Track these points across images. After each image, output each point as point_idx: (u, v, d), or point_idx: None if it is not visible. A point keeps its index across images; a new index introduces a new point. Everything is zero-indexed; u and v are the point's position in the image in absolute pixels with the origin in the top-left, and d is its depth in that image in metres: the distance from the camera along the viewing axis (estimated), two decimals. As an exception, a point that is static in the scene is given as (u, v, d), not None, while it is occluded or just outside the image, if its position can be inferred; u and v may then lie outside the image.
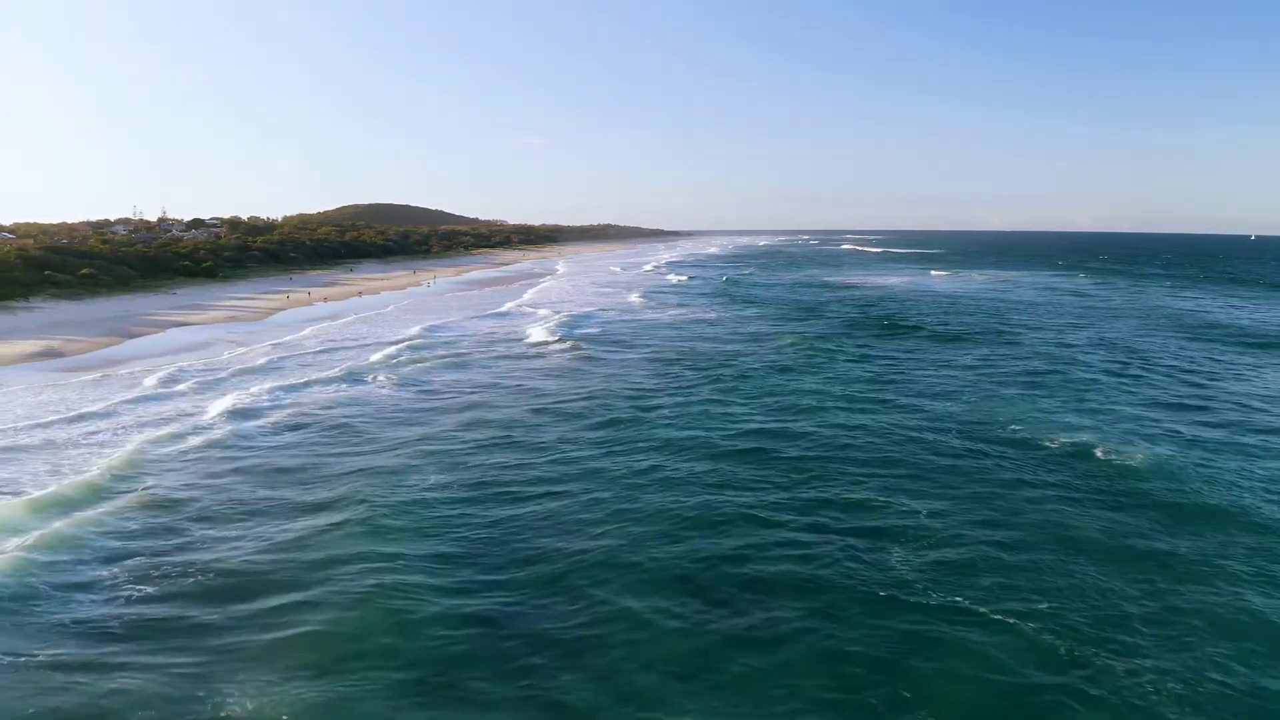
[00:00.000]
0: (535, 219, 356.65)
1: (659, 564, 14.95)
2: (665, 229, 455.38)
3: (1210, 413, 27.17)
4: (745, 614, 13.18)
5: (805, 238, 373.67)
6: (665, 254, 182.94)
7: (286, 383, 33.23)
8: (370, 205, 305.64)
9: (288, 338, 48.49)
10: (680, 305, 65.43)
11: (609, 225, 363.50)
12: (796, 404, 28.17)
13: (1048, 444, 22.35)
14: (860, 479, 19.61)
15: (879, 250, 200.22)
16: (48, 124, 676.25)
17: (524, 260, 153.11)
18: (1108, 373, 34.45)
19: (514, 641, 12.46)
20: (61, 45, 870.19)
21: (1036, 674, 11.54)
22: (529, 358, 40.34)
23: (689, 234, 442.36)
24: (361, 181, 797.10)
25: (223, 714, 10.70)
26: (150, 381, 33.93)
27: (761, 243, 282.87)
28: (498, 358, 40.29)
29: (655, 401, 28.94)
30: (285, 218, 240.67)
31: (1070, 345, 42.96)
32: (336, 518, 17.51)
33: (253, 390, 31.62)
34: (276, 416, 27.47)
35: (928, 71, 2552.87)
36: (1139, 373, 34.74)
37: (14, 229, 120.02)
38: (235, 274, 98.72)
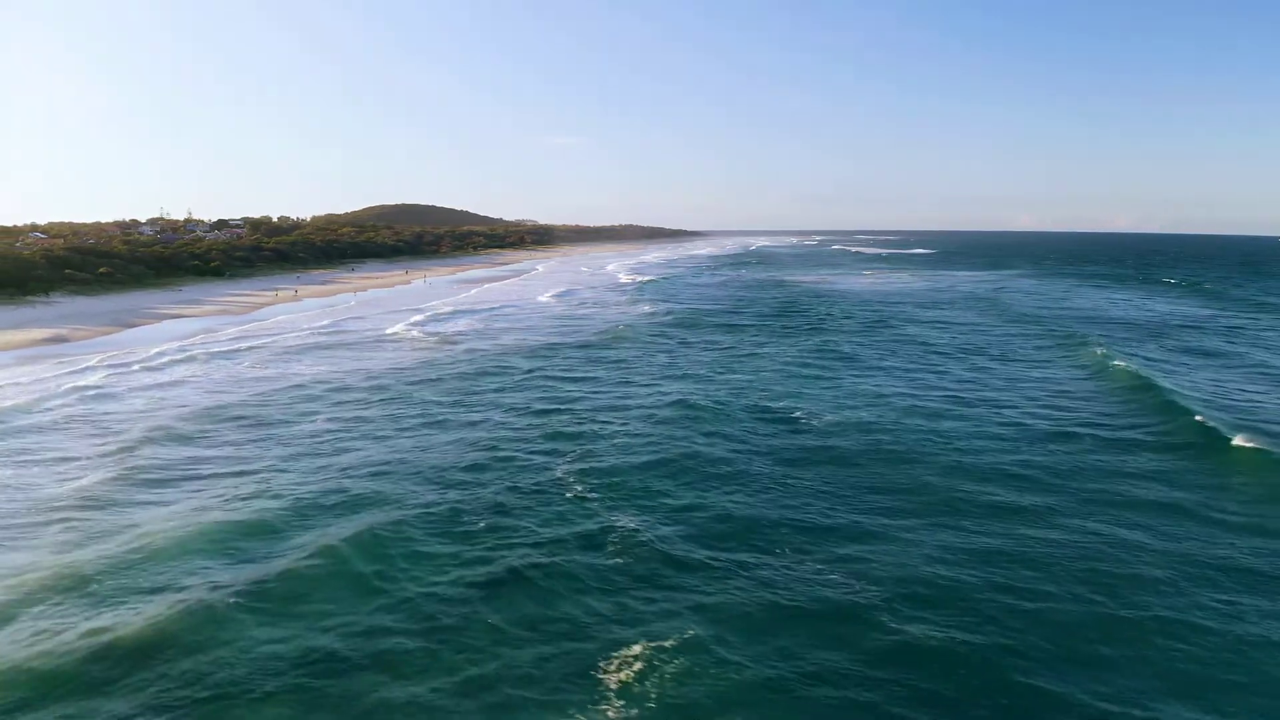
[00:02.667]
0: (565, 219, 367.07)
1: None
2: (688, 229, 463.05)
3: (948, 389, 31.85)
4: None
5: (818, 238, 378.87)
6: (656, 254, 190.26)
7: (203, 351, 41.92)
8: (397, 206, 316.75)
9: (248, 327, 57.46)
10: (594, 304, 70.68)
11: (630, 225, 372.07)
12: (564, 374, 35.67)
13: (775, 410, 28.09)
14: (598, 436, 25.97)
15: (872, 251, 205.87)
16: (88, 126, 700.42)
17: (524, 261, 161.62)
18: (894, 355, 40.47)
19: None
20: (102, 48, 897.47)
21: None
22: (379, 348, 45.82)
23: (706, 234, 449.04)
24: (395, 182, 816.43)
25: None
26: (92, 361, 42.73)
27: (767, 243, 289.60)
28: (350, 344, 46.90)
29: (429, 377, 35.36)
30: (314, 218, 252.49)
31: (902, 335, 49.25)
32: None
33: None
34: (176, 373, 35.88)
35: (963, 72, 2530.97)
36: (916, 358, 39.98)
37: (48, 229, 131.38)
38: (242, 272, 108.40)
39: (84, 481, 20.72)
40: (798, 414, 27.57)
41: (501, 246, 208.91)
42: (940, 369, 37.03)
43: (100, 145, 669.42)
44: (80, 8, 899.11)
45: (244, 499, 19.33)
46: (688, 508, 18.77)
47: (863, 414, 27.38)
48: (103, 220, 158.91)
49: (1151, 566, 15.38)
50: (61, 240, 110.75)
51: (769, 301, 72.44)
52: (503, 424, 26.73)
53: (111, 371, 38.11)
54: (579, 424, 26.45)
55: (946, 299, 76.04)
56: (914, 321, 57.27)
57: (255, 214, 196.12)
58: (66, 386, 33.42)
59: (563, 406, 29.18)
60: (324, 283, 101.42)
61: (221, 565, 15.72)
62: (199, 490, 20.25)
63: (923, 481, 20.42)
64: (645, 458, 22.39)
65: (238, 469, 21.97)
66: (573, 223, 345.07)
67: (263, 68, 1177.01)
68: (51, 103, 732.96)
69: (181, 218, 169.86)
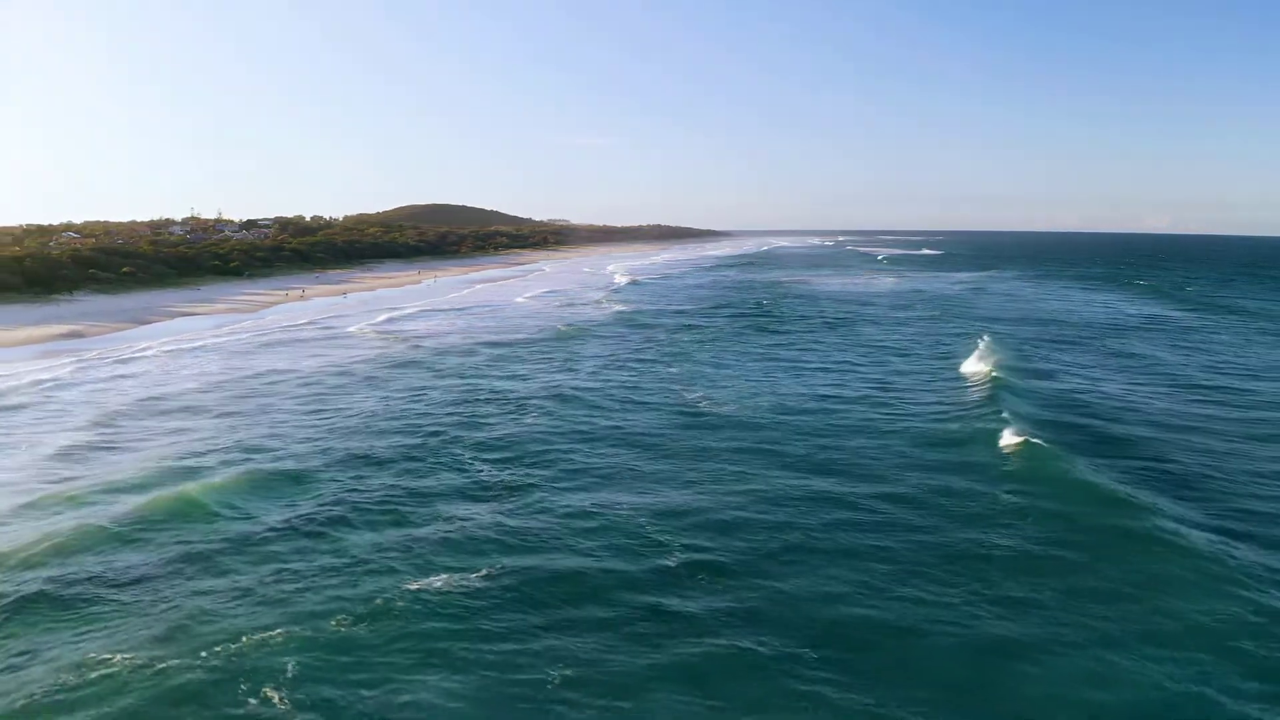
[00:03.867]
0: (596, 219, 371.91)
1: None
2: (716, 229, 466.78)
3: (838, 386, 34.85)
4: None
5: (842, 238, 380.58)
6: (668, 255, 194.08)
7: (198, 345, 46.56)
8: (428, 205, 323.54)
9: (245, 323, 62.38)
10: (567, 304, 74.28)
11: (657, 226, 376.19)
12: (474, 369, 39.56)
13: (651, 401, 31.79)
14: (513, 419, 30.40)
15: (886, 252, 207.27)
16: (130, 127, 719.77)
17: (539, 261, 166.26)
18: (823, 353, 43.23)
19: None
20: (145, 50, 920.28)
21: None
22: (331, 345, 49.87)
23: (731, 235, 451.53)
24: (431, 183, 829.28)
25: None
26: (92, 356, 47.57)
27: (787, 244, 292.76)
28: (307, 341, 51.53)
29: (351, 369, 39.56)
30: (346, 217, 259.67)
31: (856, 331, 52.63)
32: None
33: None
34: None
35: (1003, 74, 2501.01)
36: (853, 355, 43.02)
37: (83, 228, 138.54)
38: (262, 272, 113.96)
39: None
40: (672, 404, 31.43)
41: (524, 247, 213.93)
42: (851, 367, 40.37)
43: (142, 145, 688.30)
44: (124, 10, 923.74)
45: (127, 466, 23.73)
46: (507, 460, 23.06)
47: (740, 403, 31.25)
48: (139, 219, 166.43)
49: (879, 534, 18.75)
50: (92, 240, 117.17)
51: (748, 303, 75.67)
52: (386, 407, 31.12)
53: (79, 365, 42.42)
54: (456, 405, 30.97)
55: (920, 299, 79.34)
56: (872, 322, 60.70)
57: (292, 213, 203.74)
58: (28, 380, 37.87)
59: (456, 393, 33.66)
60: (337, 283, 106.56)
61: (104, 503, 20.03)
62: (89, 468, 24.55)
63: (740, 458, 24.14)
64: (493, 433, 26.70)
65: (134, 449, 26.29)
66: (601, 223, 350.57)
67: (305, 71, 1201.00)
68: (95, 104, 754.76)
69: (212, 217, 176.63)
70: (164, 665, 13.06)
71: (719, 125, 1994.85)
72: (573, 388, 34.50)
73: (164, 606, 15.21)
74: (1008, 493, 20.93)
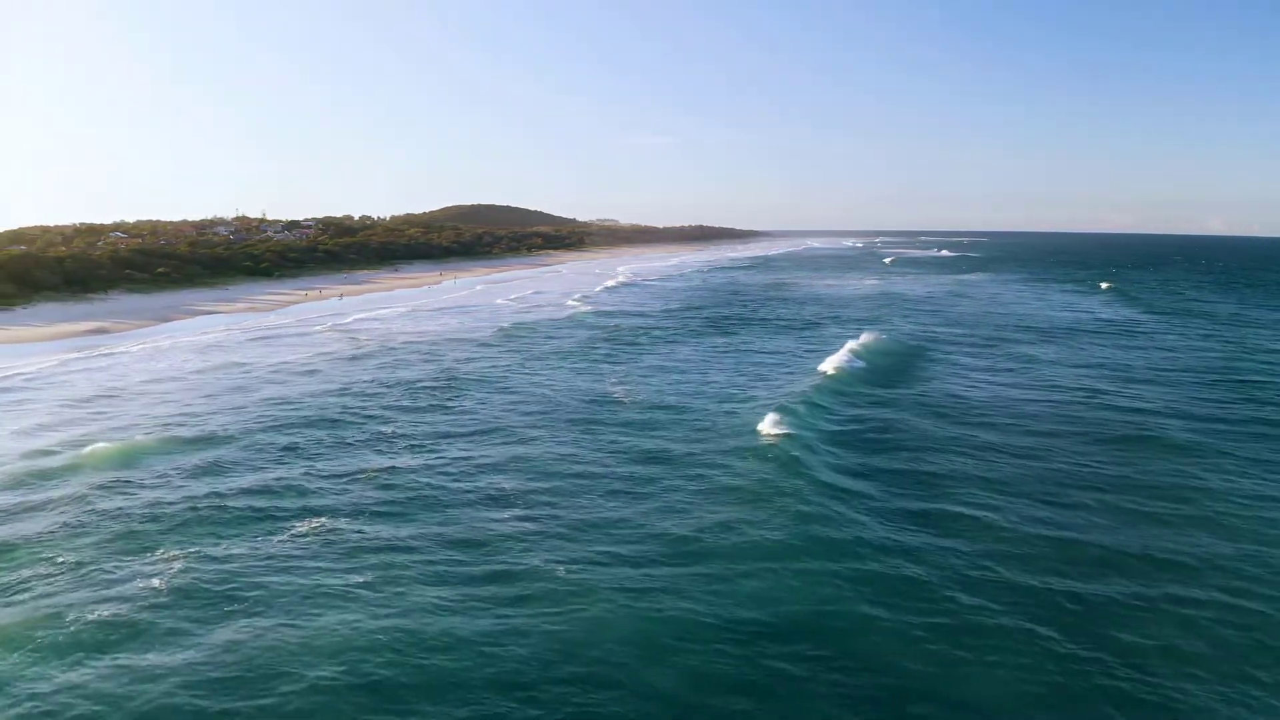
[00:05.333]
0: (647, 219, 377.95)
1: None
2: (758, 229, 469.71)
3: (740, 379, 37.08)
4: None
5: (880, 240, 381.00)
6: (687, 257, 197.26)
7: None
8: (473, 206, 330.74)
9: (267, 321, 67.87)
10: (542, 306, 77.68)
11: (700, 226, 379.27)
12: (398, 360, 44.13)
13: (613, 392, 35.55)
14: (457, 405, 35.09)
15: (913, 254, 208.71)
16: (189, 127, 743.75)
17: (566, 262, 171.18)
18: (769, 351, 46.21)
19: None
20: (204, 58, 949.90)
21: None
22: (299, 341, 54.53)
23: (770, 234, 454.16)
24: (480, 182, 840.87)
25: None
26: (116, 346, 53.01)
27: (819, 245, 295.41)
28: (273, 339, 55.90)
29: (289, 364, 44.29)
30: (392, 217, 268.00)
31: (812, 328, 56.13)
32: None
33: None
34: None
35: (1053, 68, 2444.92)
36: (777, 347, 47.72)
37: (134, 227, 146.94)
38: (292, 272, 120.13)
39: None
40: (556, 397, 35.37)
41: (557, 248, 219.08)
42: (772, 366, 43.27)
43: (199, 146, 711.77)
44: (193, 15, 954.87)
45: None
46: (374, 435, 27.24)
47: (633, 397, 34.67)
48: (191, 218, 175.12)
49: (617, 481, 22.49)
50: (138, 240, 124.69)
51: (732, 305, 78.59)
52: (291, 394, 35.86)
53: (59, 363, 47.26)
54: (363, 389, 35.87)
55: (885, 301, 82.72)
56: (840, 321, 64.05)
57: (342, 213, 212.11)
58: (11, 373, 43.11)
59: (362, 382, 38.42)
60: (361, 283, 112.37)
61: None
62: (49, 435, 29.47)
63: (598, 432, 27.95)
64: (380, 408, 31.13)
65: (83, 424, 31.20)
66: (648, 223, 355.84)
67: (359, 73, 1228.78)
68: (160, 105, 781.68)
69: (257, 218, 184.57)
70: (81, 561, 17.52)
71: (768, 126, 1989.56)
72: (465, 373, 39.34)
73: (86, 526, 19.96)
74: (726, 469, 24.36)
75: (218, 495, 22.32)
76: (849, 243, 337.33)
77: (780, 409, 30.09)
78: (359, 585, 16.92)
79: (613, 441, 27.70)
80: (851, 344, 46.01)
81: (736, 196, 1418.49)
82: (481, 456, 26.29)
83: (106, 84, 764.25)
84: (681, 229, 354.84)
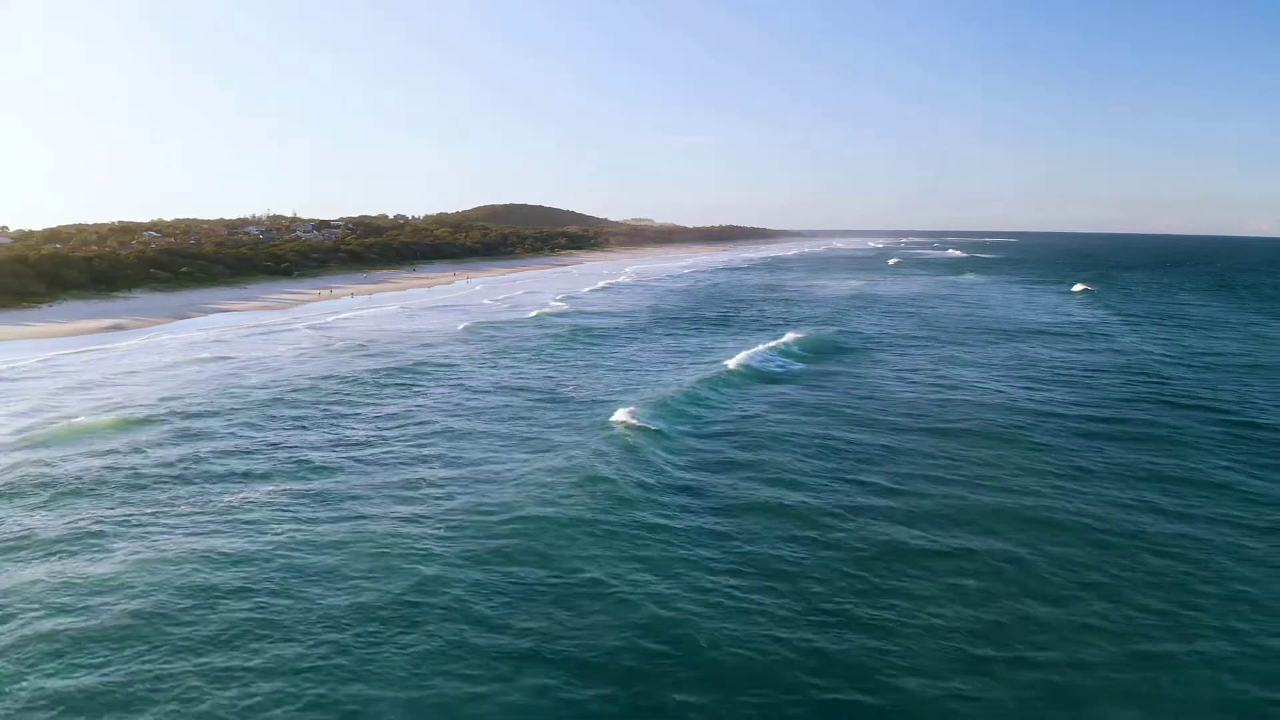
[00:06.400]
0: (679, 218, 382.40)
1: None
2: (790, 229, 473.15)
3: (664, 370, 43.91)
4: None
5: (905, 240, 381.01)
6: (701, 258, 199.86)
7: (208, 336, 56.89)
8: (505, 206, 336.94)
9: (269, 319, 73.07)
10: (521, 306, 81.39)
11: (730, 226, 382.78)
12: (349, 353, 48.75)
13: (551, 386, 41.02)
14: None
15: (928, 255, 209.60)
16: (228, 126, 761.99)
17: (584, 263, 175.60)
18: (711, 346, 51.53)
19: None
20: (249, 63, 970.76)
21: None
22: (276, 339, 60.42)
23: (798, 235, 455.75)
24: (517, 182, 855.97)
25: None
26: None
27: (842, 245, 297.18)
28: (256, 336, 60.28)
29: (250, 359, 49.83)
30: (425, 216, 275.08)
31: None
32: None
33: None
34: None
35: (1113, 73, 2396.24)
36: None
37: (171, 225, 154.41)
38: (312, 272, 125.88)
39: None
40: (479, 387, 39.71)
41: (580, 248, 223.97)
42: (689, 363, 46.16)
43: (242, 146, 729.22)
44: (233, 18, 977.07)
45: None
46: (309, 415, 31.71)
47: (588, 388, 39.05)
48: (228, 217, 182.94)
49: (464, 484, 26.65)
50: (170, 240, 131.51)
51: (706, 306, 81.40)
52: (251, 380, 40.21)
53: (46, 360, 52.33)
54: (299, 381, 39.97)
55: (858, 301, 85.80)
56: (791, 321, 66.99)
57: (377, 212, 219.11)
58: (35, 360, 48.64)
59: (315, 373, 42.48)
60: (377, 282, 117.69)
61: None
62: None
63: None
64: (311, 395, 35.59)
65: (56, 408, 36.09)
66: (681, 223, 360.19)
67: (400, 74, 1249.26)
68: (204, 106, 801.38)
69: (289, 217, 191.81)
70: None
71: (804, 127, 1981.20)
72: (402, 366, 44.05)
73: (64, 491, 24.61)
74: (559, 449, 27.53)
75: (122, 466, 26.89)
76: (873, 243, 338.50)
77: (644, 402, 33.75)
78: (219, 522, 21.34)
79: (487, 425, 31.79)
80: (771, 342, 49.67)
81: (772, 196, 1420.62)
82: (355, 430, 30.65)
83: (154, 84, 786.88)
84: (710, 229, 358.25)
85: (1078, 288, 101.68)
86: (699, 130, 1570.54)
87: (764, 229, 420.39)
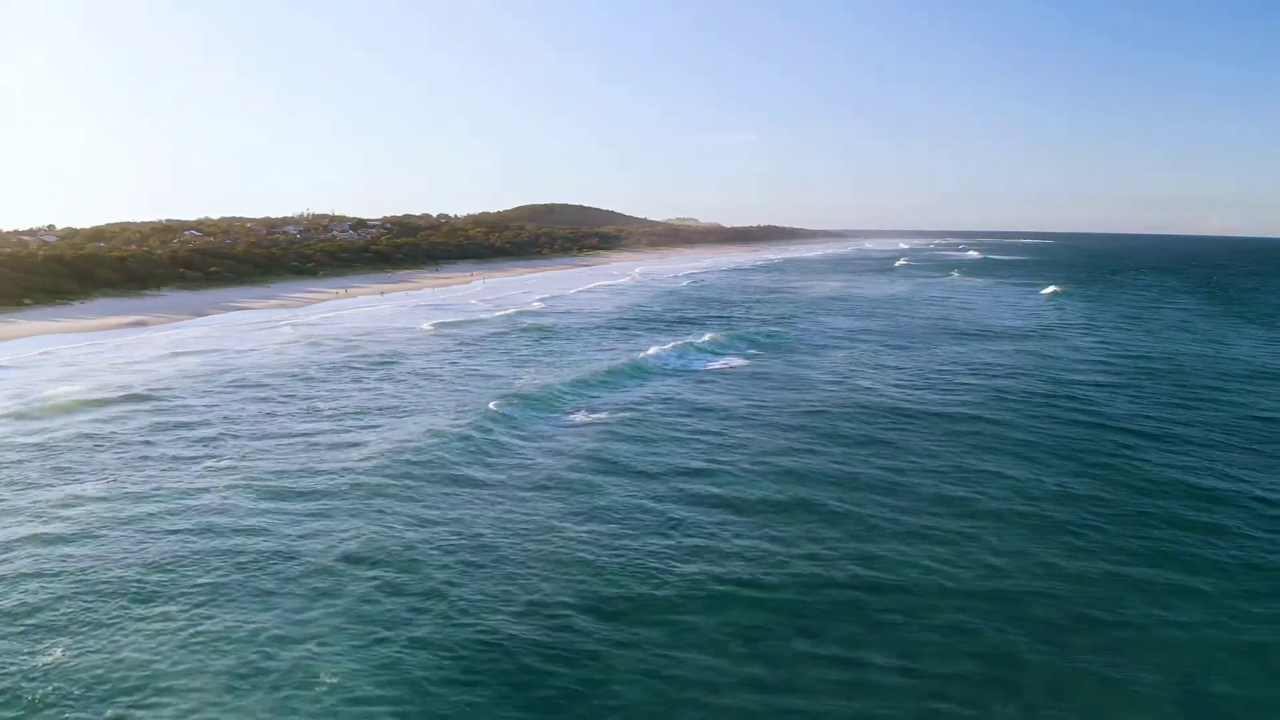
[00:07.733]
0: (716, 217, 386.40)
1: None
2: (827, 229, 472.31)
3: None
4: None
5: (936, 242, 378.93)
6: (729, 258, 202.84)
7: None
8: (545, 205, 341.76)
9: (275, 316, 79.55)
10: (509, 306, 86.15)
11: (769, 226, 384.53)
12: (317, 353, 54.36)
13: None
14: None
15: (949, 256, 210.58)
16: (277, 126, 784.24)
17: (608, 264, 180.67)
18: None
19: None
20: (291, 66, 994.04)
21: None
22: (268, 332, 67.19)
23: (832, 235, 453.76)
24: (559, 182, 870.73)
25: None
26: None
27: (872, 246, 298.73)
28: (248, 332, 67.96)
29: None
30: (468, 215, 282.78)
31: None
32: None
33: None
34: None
35: (1149, 73, 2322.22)
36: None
37: (215, 225, 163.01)
38: (338, 271, 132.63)
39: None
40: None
41: (610, 248, 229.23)
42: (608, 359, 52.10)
43: (292, 144, 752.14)
44: (286, 21, 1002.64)
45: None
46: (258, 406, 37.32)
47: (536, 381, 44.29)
48: (273, 215, 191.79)
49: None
50: (209, 239, 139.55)
51: (681, 308, 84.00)
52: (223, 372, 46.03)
53: (45, 353, 59.22)
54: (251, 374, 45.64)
55: (835, 300, 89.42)
56: (787, 319, 70.69)
57: (420, 211, 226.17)
58: (37, 352, 55.17)
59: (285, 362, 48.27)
60: (397, 282, 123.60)
61: None
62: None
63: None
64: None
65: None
66: (720, 223, 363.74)
67: (450, 76, 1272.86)
68: (252, 107, 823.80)
69: (327, 216, 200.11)
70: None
71: (844, 127, 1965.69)
72: (353, 362, 49.39)
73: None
74: (426, 434, 33.17)
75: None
76: (903, 244, 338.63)
77: (517, 394, 38.57)
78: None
79: (388, 402, 37.25)
80: (684, 340, 54.54)
81: (813, 196, 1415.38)
82: (279, 409, 35.98)
83: (211, 83, 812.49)
84: (747, 229, 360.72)
85: (1047, 290, 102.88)
86: (742, 130, 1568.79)
87: (799, 229, 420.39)
